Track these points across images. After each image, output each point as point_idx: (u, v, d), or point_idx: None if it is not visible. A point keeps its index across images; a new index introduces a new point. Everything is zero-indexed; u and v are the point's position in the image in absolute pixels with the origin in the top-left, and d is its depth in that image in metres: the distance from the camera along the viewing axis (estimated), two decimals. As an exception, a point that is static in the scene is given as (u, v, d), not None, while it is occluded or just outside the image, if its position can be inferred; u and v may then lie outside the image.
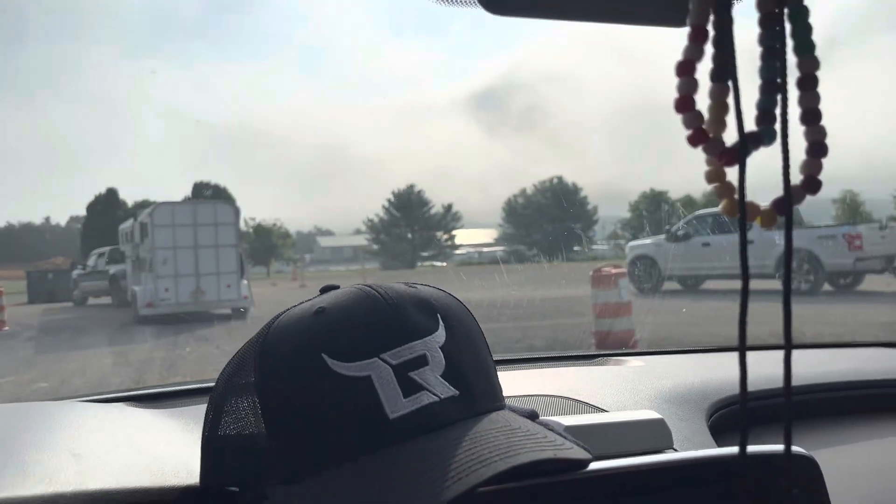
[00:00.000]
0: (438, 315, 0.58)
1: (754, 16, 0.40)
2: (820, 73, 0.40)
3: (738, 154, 0.38)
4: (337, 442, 0.52)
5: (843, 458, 0.98)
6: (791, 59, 0.39)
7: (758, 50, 0.40)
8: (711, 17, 0.40)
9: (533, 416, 0.61)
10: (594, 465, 0.57)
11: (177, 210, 12.82)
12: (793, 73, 0.40)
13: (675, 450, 0.75)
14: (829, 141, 0.41)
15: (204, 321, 11.10)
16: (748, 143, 0.39)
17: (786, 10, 0.39)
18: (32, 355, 8.16)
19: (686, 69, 0.40)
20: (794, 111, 0.39)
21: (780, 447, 0.59)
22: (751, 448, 0.66)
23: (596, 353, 1.35)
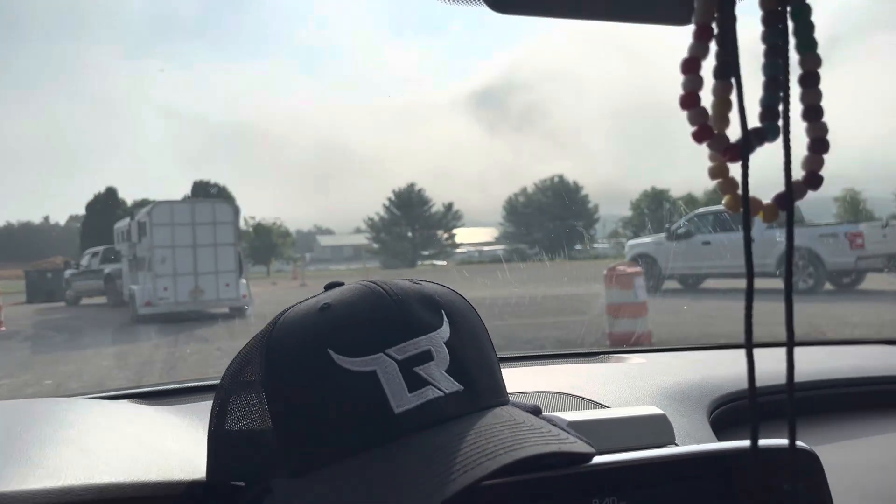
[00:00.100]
0: (443, 311, 0.59)
1: (758, 14, 0.40)
2: (822, 71, 0.41)
3: (742, 150, 0.39)
4: (342, 436, 0.53)
5: (844, 454, 0.98)
6: (793, 56, 0.40)
7: (761, 47, 0.41)
8: (716, 15, 0.40)
9: (536, 411, 0.62)
10: (597, 459, 0.58)
11: (175, 209, 12.81)
12: (795, 71, 0.40)
13: (677, 445, 0.76)
14: (830, 139, 0.41)
15: (204, 321, 11.09)
16: (751, 139, 0.39)
17: (788, 9, 0.39)
18: (30, 356, 8.15)
19: (691, 66, 0.40)
20: (797, 108, 0.40)
21: (782, 441, 0.59)
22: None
23: (597, 350, 1.36)
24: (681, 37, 0.42)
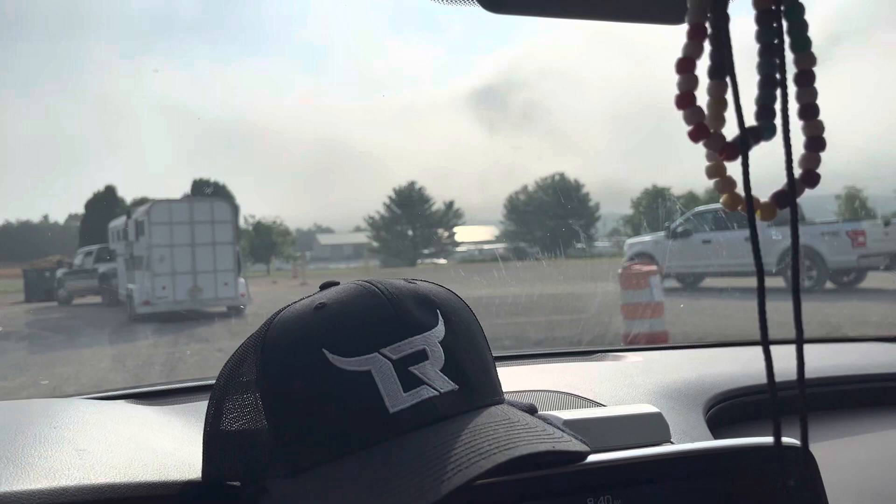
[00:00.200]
0: (438, 310, 0.59)
1: (751, 13, 0.40)
2: (821, 70, 0.41)
3: (739, 149, 0.39)
4: (337, 436, 0.53)
5: (842, 451, 0.98)
6: (789, 55, 0.40)
7: (755, 46, 0.41)
8: (709, 15, 0.40)
9: (532, 410, 0.62)
10: (592, 458, 0.58)
11: (174, 208, 12.79)
12: (791, 70, 0.40)
13: (673, 443, 0.76)
14: (831, 137, 0.41)
15: (203, 321, 11.08)
16: (748, 137, 0.39)
17: (782, 7, 0.39)
18: (27, 356, 8.12)
19: (686, 66, 0.40)
20: (793, 106, 0.40)
21: (788, 440, 0.59)
22: (747, 440, 0.66)
23: (593, 349, 1.36)
24: (680, 36, 0.42)
